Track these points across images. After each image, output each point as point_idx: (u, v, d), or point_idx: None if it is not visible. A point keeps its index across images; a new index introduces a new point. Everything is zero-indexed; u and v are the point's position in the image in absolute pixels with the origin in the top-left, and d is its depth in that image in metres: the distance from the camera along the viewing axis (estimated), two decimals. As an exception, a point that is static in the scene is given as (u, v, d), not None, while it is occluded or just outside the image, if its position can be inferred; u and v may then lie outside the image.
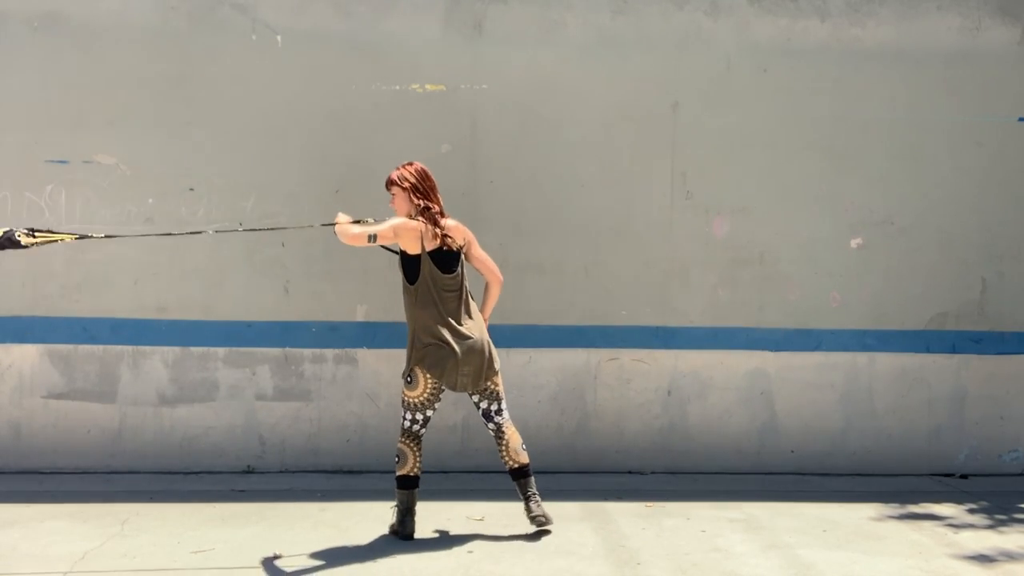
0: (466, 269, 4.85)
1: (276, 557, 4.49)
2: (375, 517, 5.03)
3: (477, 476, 5.93)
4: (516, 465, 4.80)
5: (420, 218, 4.74)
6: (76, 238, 4.85)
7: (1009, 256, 6.35)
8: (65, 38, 5.91)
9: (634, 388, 6.20)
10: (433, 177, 4.88)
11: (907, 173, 6.30)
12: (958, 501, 5.69)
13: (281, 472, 6.03)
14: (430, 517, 5.05)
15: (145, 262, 5.96)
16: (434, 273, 4.69)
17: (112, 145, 5.94)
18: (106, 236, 5.12)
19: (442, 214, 4.79)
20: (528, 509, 4.78)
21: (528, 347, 6.09)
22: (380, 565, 4.41)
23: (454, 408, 5.99)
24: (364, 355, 6.07)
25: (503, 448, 4.82)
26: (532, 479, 4.83)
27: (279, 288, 6.03)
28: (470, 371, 4.70)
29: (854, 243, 6.29)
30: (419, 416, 4.76)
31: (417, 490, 4.79)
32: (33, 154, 5.90)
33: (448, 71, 6.07)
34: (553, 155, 6.11)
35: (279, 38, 6.02)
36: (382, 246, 4.83)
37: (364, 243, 4.69)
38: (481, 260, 4.89)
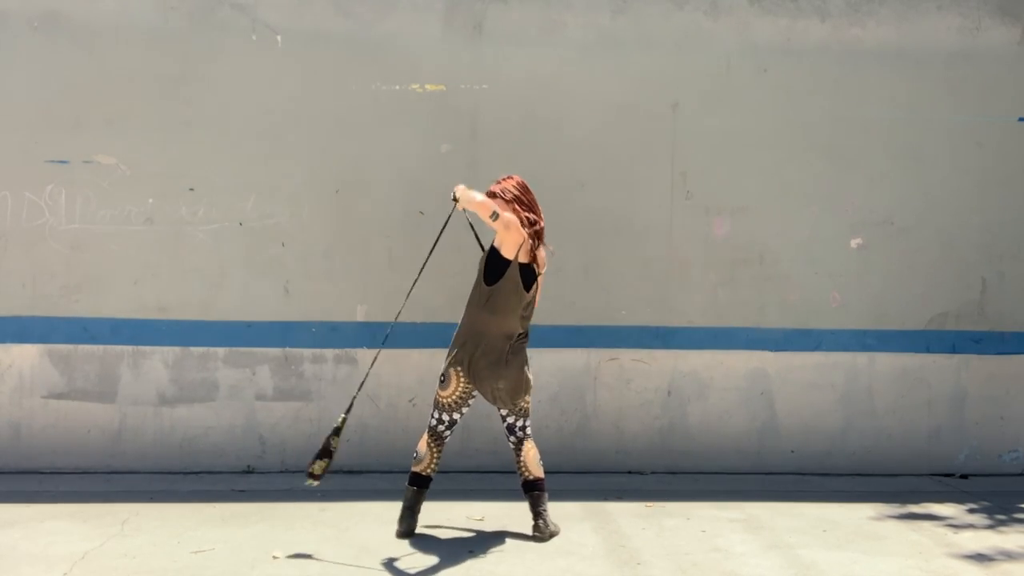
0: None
1: (276, 557, 4.49)
2: (375, 517, 5.03)
3: (477, 476, 5.93)
4: (531, 477, 4.78)
5: (526, 229, 4.64)
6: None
7: (1009, 256, 6.35)
8: (65, 38, 5.91)
9: (634, 388, 6.20)
10: (532, 192, 4.80)
11: (907, 173, 6.30)
12: (958, 501, 5.70)
13: (281, 472, 6.03)
14: (430, 517, 5.05)
15: (145, 262, 5.96)
16: (518, 285, 4.63)
17: (112, 145, 5.94)
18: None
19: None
20: (536, 527, 4.76)
21: (528, 347, 6.08)
22: (380, 565, 4.41)
23: (454, 408, 5.98)
24: (364, 355, 6.07)
25: (520, 461, 4.81)
26: (545, 496, 4.79)
27: (279, 288, 6.03)
28: (506, 386, 4.67)
29: (854, 243, 6.29)
30: (446, 417, 4.74)
31: (425, 491, 4.79)
32: (33, 154, 5.90)
33: (448, 71, 6.07)
34: (553, 155, 6.11)
35: (279, 38, 6.02)
36: (474, 233, 4.85)
37: (485, 213, 4.50)
38: (534, 299, 4.82)
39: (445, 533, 4.88)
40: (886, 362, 6.31)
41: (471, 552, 4.60)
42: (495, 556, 4.55)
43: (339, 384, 6.07)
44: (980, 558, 4.67)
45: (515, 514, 4.94)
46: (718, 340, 6.22)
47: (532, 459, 4.79)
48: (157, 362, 6.00)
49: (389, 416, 6.07)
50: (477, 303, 4.67)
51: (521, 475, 4.81)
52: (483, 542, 4.74)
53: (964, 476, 6.29)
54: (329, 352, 6.07)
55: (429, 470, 4.76)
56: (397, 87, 6.06)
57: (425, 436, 4.79)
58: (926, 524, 5.23)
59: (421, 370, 6.00)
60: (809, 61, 6.24)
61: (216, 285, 6.00)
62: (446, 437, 4.80)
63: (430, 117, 6.07)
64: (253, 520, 5.03)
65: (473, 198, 4.54)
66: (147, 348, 5.99)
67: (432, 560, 4.48)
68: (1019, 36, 6.35)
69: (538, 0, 6.12)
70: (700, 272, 6.21)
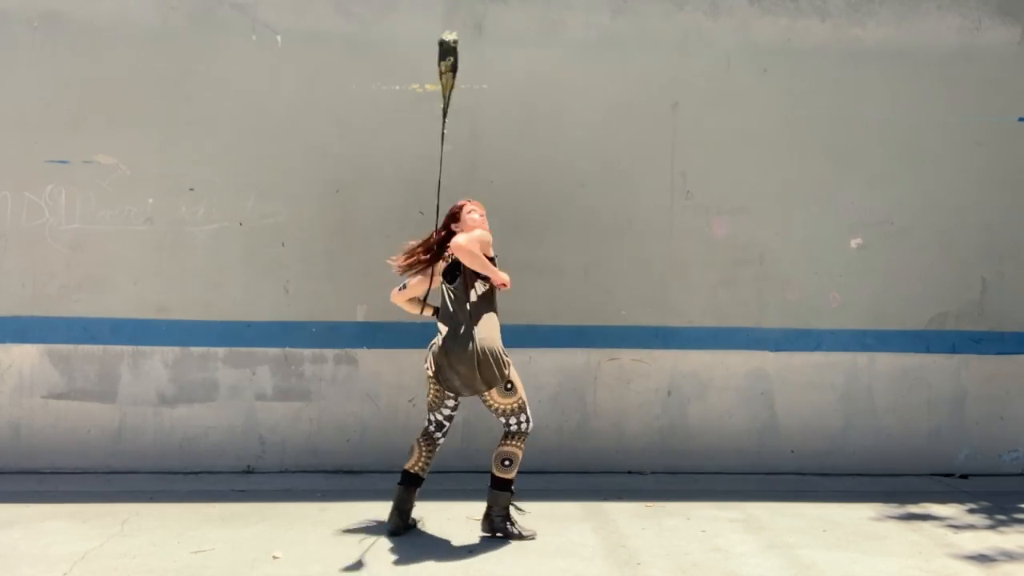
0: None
1: (276, 557, 4.49)
2: (375, 517, 5.03)
3: (477, 476, 5.90)
4: (491, 473, 4.79)
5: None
6: None
7: (1009, 256, 6.36)
8: (65, 38, 5.92)
9: (634, 388, 6.20)
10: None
11: (907, 173, 6.30)
12: (958, 501, 5.69)
13: (281, 472, 6.03)
14: (430, 517, 5.06)
15: (145, 262, 5.96)
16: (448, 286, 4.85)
17: (112, 145, 5.94)
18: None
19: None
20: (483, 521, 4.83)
21: (528, 347, 6.09)
22: (380, 565, 4.41)
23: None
24: (364, 355, 6.07)
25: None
26: (498, 494, 4.75)
27: (279, 288, 6.03)
28: (466, 371, 4.71)
29: (854, 243, 6.29)
30: (432, 416, 4.82)
31: (415, 489, 4.79)
32: (33, 154, 5.90)
33: (448, 71, 6.07)
34: (553, 155, 6.11)
35: (279, 38, 6.02)
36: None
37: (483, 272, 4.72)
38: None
39: (445, 533, 4.88)
40: (886, 362, 6.31)
41: (471, 552, 4.60)
42: (495, 556, 4.55)
43: (339, 384, 6.07)
44: (980, 558, 4.67)
45: (515, 514, 4.94)
46: (718, 340, 6.22)
47: (495, 456, 4.76)
48: (157, 362, 6.00)
49: (389, 416, 6.07)
50: (491, 308, 4.79)
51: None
52: (483, 542, 4.73)
53: (964, 476, 6.29)
54: (329, 352, 6.07)
55: (417, 467, 4.78)
56: (397, 87, 6.06)
57: (418, 434, 4.88)
58: (926, 524, 5.23)
59: (421, 370, 5.97)
60: (809, 61, 6.24)
61: (216, 285, 6.01)
62: (437, 438, 4.84)
63: (430, 117, 6.06)
64: (253, 520, 5.03)
65: (479, 263, 4.65)
66: (147, 348, 5.99)
67: (432, 560, 4.48)
68: (1019, 36, 6.35)
69: (538, 0, 6.13)
70: (700, 272, 6.22)
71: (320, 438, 6.08)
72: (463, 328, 4.69)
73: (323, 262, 6.03)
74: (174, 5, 5.97)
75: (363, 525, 4.97)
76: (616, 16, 6.16)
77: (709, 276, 6.22)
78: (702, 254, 6.21)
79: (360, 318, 6.06)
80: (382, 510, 5.04)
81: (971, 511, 5.50)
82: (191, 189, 5.98)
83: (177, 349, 6.00)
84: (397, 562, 4.45)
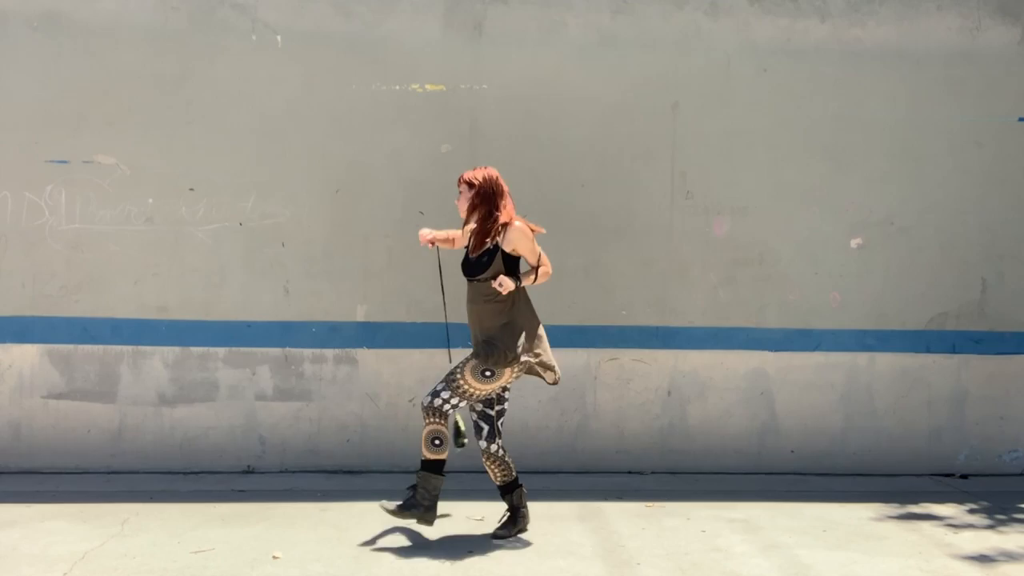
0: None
1: (276, 557, 4.49)
2: (375, 517, 5.02)
3: (477, 476, 5.89)
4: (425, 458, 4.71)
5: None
6: None
7: (1009, 256, 6.35)
8: (65, 38, 5.91)
9: (634, 388, 6.20)
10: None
11: (907, 173, 6.30)
12: (958, 501, 5.70)
13: (281, 472, 6.03)
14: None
15: (145, 262, 5.96)
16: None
17: (112, 145, 5.94)
18: None
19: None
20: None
21: (528, 347, 6.09)
22: (380, 565, 4.41)
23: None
24: (364, 355, 6.07)
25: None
26: (425, 475, 4.66)
27: (279, 288, 6.03)
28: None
29: (854, 243, 6.29)
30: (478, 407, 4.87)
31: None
32: (33, 154, 5.90)
33: (448, 71, 6.07)
34: (553, 155, 6.11)
35: (279, 38, 6.02)
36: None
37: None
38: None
39: (445, 533, 4.88)
40: (886, 362, 6.31)
41: (471, 552, 4.60)
42: (495, 556, 4.56)
43: (339, 384, 6.07)
44: (980, 558, 4.67)
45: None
46: (718, 340, 6.22)
47: (425, 439, 4.67)
48: (157, 362, 6.00)
49: (389, 416, 6.07)
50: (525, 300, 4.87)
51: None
52: (483, 542, 4.74)
53: (964, 476, 6.29)
54: (329, 352, 6.07)
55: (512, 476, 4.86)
56: (397, 87, 6.06)
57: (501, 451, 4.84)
58: (926, 524, 5.23)
59: (421, 370, 5.99)
60: (809, 61, 6.23)
61: (216, 285, 6.01)
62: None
63: (430, 117, 6.07)
64: (253, 520, 5.04)
65: (523, 280, 4.77)
66: (147, 348, 5.99)
67: (432, 560, 4.48)
68: (1019, 36, 6.35)
69: (538, 0, 6.12)
70: (700, 272, 6.21)
71: (320, 438, 6.08)
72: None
73: (323, 262, 6.03)
74: (174, 5, 5.97)
75: (363, 525, 4.96)
76: (616, 16, 6.16)
77: (709, 276, 6.22)
78: (702, 254, 6.21)
79: (360, 318, 6.07)
80: (381, 510, 5.03)
81: (971, 511, 5.50)
82: (191, 189, 5.98)
83: (177, 349, 6.01)
84: (397, 562, 4.45)
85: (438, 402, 4.64)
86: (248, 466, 6.05)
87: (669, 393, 6.23)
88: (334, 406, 6.08)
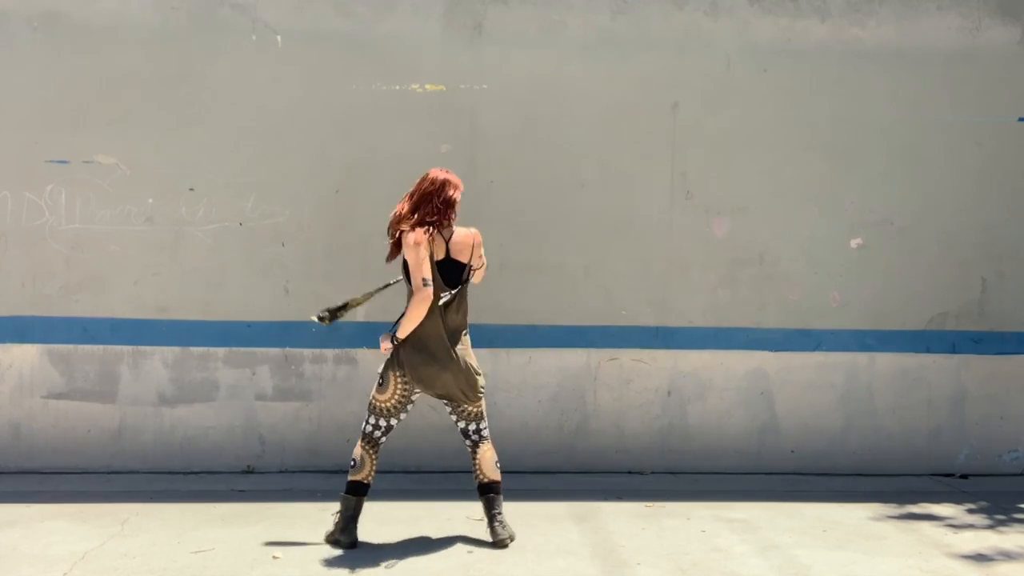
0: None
1: (276, 557, 4.49)
2: (373, 517, 5.01)
3: (477, 476, 5.92)
4: (486, 480, 4.66)
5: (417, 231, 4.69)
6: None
7: (1009, 256, 6.35)
8: (65, 38, 5.91)
9: (634, 388, 6.20)
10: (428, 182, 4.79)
11: (907, 173, 6.30)
12: (958, 501, 5.69)
13: (281, 472, 6.03)
14: (430, 517, 5.06)
15: (145, 262, 5.96)
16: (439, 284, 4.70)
17: (112, 145, 5.94)
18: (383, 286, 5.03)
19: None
20: (492, 531, 4.65)
21: (528, 347, 6.09)
22: (380, 565, 4.41)
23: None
24: (364, 355, 6.07)
25: (476, 463, 4.70)
26: (501, 498, 4.67)
27: (279, 288, 6.03)
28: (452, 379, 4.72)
29: (854, 243, 6.29)
30: (382, 422, 4.76)
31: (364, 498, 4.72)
32: (33, 154, 5.90)
33: (448, 71, 6.07)
34: (553, 155, 6.11)
35: (279, 38, 6.02)
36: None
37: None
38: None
39: (445, 533, 4.88)
40: (886, 362, 6.31)
41: (471, 552, 4.60)
42: (495, 556, 4.56)
43: (339, 384, 6.07)
44: (980, 558, 4.67)
45: (515, 514, 4.94)
46: (718, 340, 6.22)
47: (488, 461, 4.67)
48: (157, 362, 6.00)
49: (389, 416, 6.06)
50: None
51: (476, 478, 4.70)
52: (483, 542, 4.73)
53: (964, 476, 6.29)
54: (329, 352, 6.07)
55: (370, 478, 4.69)
56: (397, 87, 6.06)
57: (360, 443, 4.70)
58: (926, 524, 5.23)
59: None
60: (809, 61, 6.24)
61: (216, 285, 6.01)
62: (381, 443, 4.73)
63: (430, 117, 6.07)
64: (253, 520, 5.04)
65: (407, 325, 4.66)
66: (147, 348, 5.99)
67: (432, 560, 4.48)
68: (1019, 36, 6.35)
69: (538, 0, 6.12)
70: (700, 272, 6.21)
71: (320, 438, 6.08)
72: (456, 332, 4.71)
73: (323, 262, 6.03)
74: (174, 5, 5.97)
75: (362, 525, 4.96)
76: (616, 16, 6.16)
77: (709, 276, 6.22)
78: (702, 254, 6.21)
79: (360, 318, 6.05)
80: (381, 510, 5.04)
81: (971, 511, 5.50)
82: (191, 189, 5.98)
83: (177, 349, 6.01)
84: (397, 562, 4.45)
85: (364, 426, 4.71)
86: (248, 466, 6.05)
87: (669, 393, 6.23)
88: (334, 406, 6.08)
